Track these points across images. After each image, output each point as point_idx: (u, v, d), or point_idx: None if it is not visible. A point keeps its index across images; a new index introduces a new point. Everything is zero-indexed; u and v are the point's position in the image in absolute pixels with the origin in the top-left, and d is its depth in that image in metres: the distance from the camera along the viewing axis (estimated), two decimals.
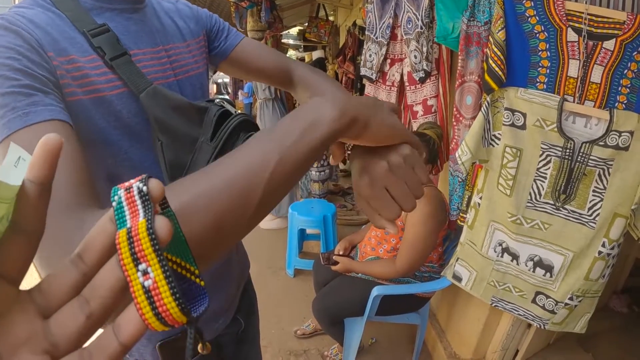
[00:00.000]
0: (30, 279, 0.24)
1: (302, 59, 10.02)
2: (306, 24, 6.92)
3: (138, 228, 0.23)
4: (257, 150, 0.42)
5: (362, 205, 0.56)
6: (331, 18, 6.81)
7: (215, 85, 12.27)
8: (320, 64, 5.91)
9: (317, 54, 6.17)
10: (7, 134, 0.49)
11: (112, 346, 0.24)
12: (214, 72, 1.03)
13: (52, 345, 0.23)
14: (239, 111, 0.76)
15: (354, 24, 4.45)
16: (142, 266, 0.23)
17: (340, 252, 2.21)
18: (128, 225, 0.24)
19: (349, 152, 0.61)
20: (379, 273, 1.93)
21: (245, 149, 0.43)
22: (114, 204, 0.25)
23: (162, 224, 0.24)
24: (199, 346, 0.31)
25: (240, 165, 0.41)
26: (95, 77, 0.65)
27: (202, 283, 0.29)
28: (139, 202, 0.25)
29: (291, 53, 12.53)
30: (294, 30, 9.04)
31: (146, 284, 0.23)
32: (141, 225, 0.23)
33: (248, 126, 0.75)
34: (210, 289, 0.92)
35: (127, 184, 0.26)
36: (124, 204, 0.25)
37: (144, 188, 0.25)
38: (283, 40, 7.67)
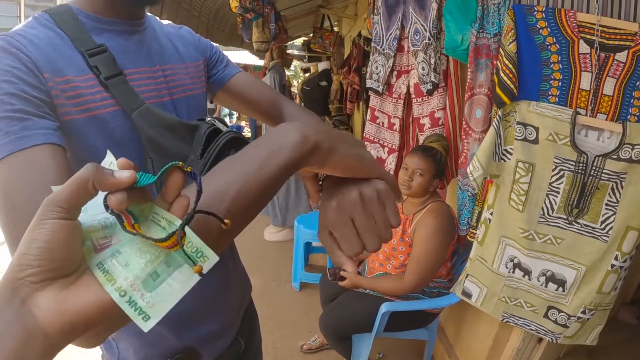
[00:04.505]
0: None
1: (308, 70, 10.03)
2: (311, 34, 6.94)
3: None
4: (218, 180, 0.43)
5: (322, 235, 0.52)
6: (336, 29, 6.83)
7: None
8: (325, 75, 5.92)
9: (322, 65, 6.19)
10: (0, 157, 0.54)
11: None
12: (210, 102, 1.06)
13: None
14: (228, 129, 0.79)
15: (359, 34, 4.45)
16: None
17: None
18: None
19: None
20: (387, 289, 1.90)
21: (209, 177, 0.44)
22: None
23: None
24: None
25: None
26: (89, 96, 0.68)
27: None
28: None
29: (296, 64, 12.55)
30: (298, 41, 9.06)
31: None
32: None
33: (238, 143, 0.76)
34: (209, 311, 0.92)
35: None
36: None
37: None
38: (288, 51, 7.69)
